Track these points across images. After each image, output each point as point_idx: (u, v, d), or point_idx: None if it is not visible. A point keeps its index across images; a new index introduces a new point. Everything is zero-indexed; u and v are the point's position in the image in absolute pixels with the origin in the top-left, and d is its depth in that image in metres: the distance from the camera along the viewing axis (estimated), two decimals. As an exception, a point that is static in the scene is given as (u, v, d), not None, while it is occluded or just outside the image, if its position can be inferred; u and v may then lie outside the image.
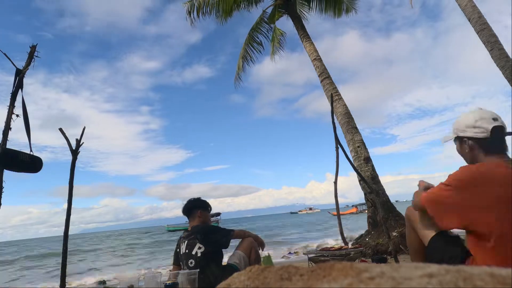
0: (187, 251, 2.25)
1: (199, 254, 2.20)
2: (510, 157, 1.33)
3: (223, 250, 2.35)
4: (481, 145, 1.34)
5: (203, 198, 2.58)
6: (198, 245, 2.23)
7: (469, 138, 1.36)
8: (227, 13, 8.83)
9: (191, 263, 2.20)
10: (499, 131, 1.30)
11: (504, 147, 1.33)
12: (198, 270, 1.73)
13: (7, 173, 2.30)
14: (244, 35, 9.47)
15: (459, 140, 1.43)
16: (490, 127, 1.30)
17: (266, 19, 9.25)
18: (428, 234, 1.43)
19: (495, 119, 1.32)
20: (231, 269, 2.19)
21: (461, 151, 1.44)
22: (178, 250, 2.39)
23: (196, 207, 2.48)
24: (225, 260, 2.43)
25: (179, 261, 2.36)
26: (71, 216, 2.76)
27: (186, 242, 2.30)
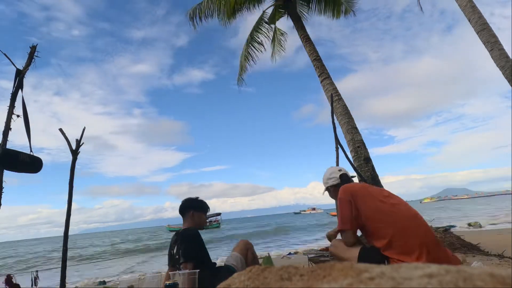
0: (177, 256, 2.17)
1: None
2: None
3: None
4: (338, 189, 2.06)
5: (200, 198, 2.45)
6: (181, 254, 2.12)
7: (331, 186, 2.19)
8: (230, 15, 8.85)
9: (184, 267, 2.10)
10: (344, 176, 2.18)
11: None
12: (199, 270, 1.72)
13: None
14: (243, 36, 9.49)
15: (327, 189, 2.24)
16: (338, 175, 2.18)
17: (266, 20, 9.26)
18: (353, 254, 1.81)
19: (340, 170, 2.21)
20: (228, 270, 2.16)
21: (332, 195, 2.23)
22: (172, 252, 2.29)
23: (189, 208, 2.36)
24: (222, 262, 2.40)
25: (174, 262, 2.25)
26: (73, 216, 2.78)
27: (176, 246, 2.21)
